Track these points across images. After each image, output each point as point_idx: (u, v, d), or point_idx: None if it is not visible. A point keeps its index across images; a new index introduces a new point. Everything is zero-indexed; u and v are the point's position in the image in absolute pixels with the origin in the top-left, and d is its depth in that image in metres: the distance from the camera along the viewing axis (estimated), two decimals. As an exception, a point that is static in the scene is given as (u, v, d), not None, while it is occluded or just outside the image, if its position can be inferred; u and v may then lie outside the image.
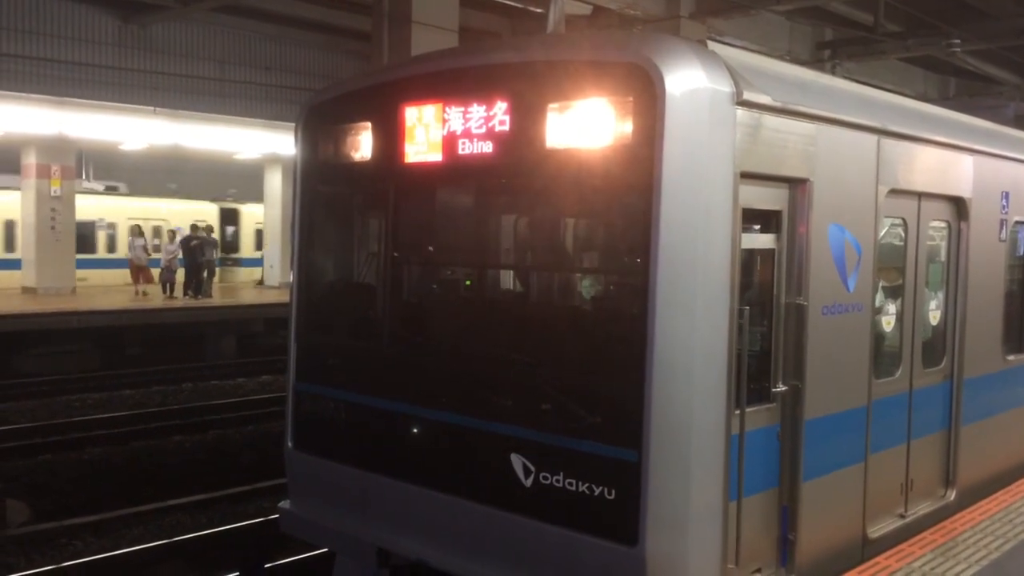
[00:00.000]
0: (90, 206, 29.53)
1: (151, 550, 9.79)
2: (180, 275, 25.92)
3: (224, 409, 17.22)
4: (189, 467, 13.49)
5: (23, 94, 21.50)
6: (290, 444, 7.29)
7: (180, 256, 25.82)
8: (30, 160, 24.74)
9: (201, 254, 25.92)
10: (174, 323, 22.97)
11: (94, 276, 28.28)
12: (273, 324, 23.42)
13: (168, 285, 25.56)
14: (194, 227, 26.84)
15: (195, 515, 11.21)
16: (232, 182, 44.71)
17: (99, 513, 10.97)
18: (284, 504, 7.33)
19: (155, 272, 26.14)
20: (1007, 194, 8.34)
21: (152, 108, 23.14)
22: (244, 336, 24.19)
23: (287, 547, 9.46)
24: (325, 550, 8.60)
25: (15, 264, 25.94)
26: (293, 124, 7.46)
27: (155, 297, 25.03)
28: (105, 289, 27.17)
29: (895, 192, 6.70)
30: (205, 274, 26.32)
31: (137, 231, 26.27)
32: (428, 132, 6.19)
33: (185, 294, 25.56)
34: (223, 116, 24.75)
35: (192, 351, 22.96)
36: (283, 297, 20.08)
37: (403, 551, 6.29)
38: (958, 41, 20.44)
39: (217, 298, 26.20)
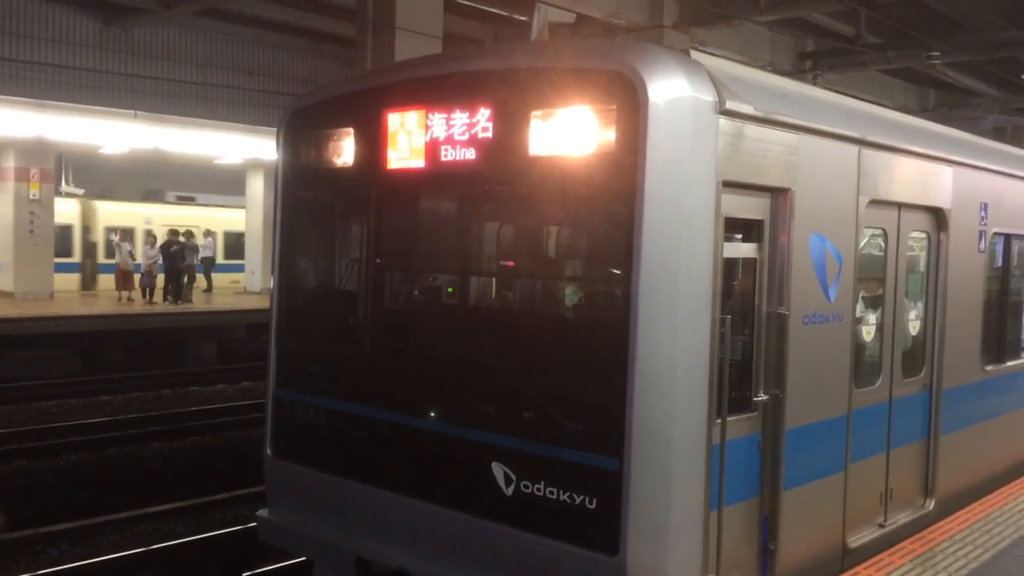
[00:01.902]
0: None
1: (128, 558, 9.67)
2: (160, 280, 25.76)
3: (203, 415, 17.08)
4: (167, 474, 13.36)
5: (2, 96, 21.30)
6: (269, 451, 7.23)
7: (160, 261, 25.67)
8: (8, 163, 24.52)
9: (181, 259, 25.76)
10: (153, 329, 22.78)
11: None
12: (254, 330, 23.28)
13: (148, 290, 25.38)
14: (174, 232, 26.67)
15: (173, 523, 11.09)
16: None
17: (75, 520, 10.83)
18: (262, 512, 7.26)
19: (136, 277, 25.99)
20: (986, 205, 8.41)
21: (133, 112, 22.98)
22: (224, 342, 24.03)
23: (266, 555, 9.38)
24: (304, 559, 8.53)
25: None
26: (275, 129, 7.43)
27: (136, 302, 24.84)
28: (85, 295, 26.97)
29: (875, 202, 6.74)
30: (185, 279, 26.15)
31: (125, 235, 26.07)
32: (411, 138, 6.17)
33: (165, 299, 25.39)
34: (205, 120, 24.62)
35: (171, 357, 22.78)
36: (264, 303, 20.04)
37: (382, 560, 6.25)
38: (938, 53, 20.66)
39: (197, 303, 26.03)
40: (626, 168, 5.07)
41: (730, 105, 5.27)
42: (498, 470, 5.60)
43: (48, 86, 22.14)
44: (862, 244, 6.70)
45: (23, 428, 15.64)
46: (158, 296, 25.56)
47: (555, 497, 5.32)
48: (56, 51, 22.30)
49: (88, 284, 29.53)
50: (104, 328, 21.76)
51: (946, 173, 7.71)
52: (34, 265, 24.77)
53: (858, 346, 6.78)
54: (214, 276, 29.91)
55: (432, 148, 6.03)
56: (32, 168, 24.61)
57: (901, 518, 7.35)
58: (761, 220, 5.81)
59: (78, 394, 18.94)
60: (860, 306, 6.82)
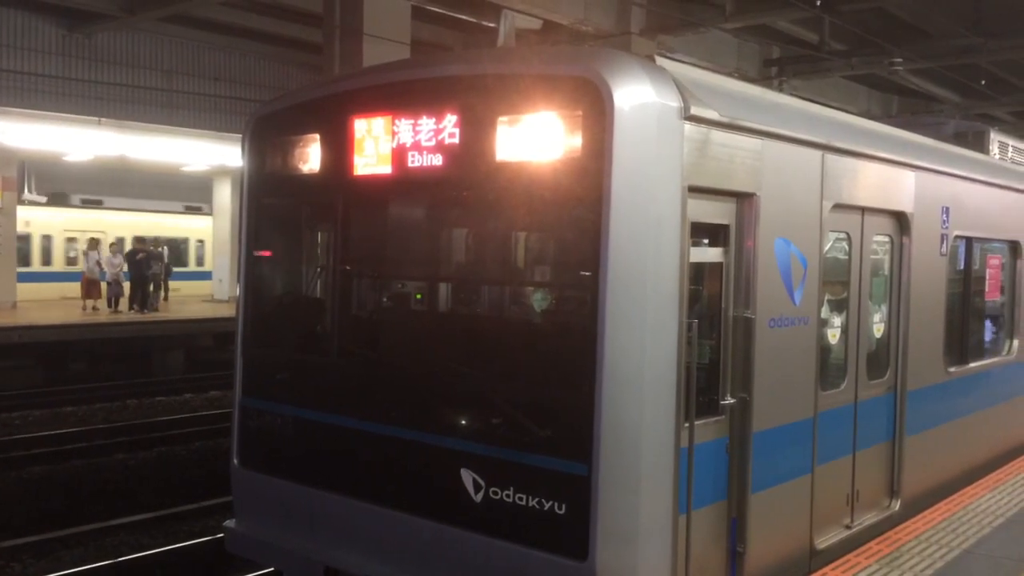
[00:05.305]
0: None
1: (93, 571, 9.54)
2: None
3: (170, 426, 16.90)
4: (133, 485, 13.19)
5: (-38, 104, 21.00)
6: (236, 461, 7.16)
7: (125, 269, 25.39)
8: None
9: (147, 267, 25.51)
10: (119, 338, 22.49)
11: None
12: (221, 338, 23.06)
13: (114, 299, 25.08)
14: (140, 240, 26.39)
15: (140, 535, 10.95)
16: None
17: (40, 534, 10.67)
18: (230, 523, 7.19)
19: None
20: (947, 209, 8.53)
21: (97, 119, 22.70)
22: (191, 351, 23.79)
23: (234, 566, 9.28)
24: (272, 569, 8.45)
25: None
26: (240, 135, 7.37)
27: (101, 312, 24.54)
28: (48, 304, 26.59)
29: (839, 207, 6.81)
30: (151, 287, 25.88)
31: (93, 244, 25.76)
32: (377, 144, 6.15)
33: (131, 308, 25.10)
34: (171, 127, 24.37)
35: (137, 366, 22.50)
36: (231, 311, 19.84)
37: (351, 569, 6.20)
38: (900, 60, 20.96)
39: (164, 312, 25.76)
40: (592, 173, 5.09)
41: (695, 111, 5.30)
42: (467, 477, 5.58)
43: (10, 93, 21.84)
44: (826, 248, 6.77)
45: (-15, 440, 15.38)
46: (123, 304, 25.27)
47: (524, 503, 5.31)
48: (18, 57, 22.02)
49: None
50: (69, 338, 21.45)
51: (908, 177, 7.82)
52: (-4, 274, 24.40)
53: (823, 349, 6.84)
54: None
55: (399, 154, 6.01)
56: (-7, 177, 24.26)
57: (867, 519, 7.42)
58: (727, 224, 5.85)
59: (42, 405, 18.65)
60: (825, 309, 6.88)
